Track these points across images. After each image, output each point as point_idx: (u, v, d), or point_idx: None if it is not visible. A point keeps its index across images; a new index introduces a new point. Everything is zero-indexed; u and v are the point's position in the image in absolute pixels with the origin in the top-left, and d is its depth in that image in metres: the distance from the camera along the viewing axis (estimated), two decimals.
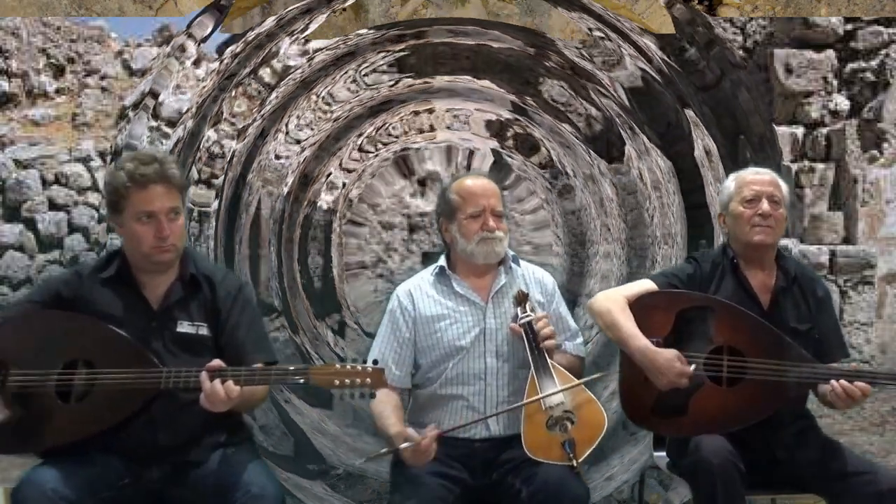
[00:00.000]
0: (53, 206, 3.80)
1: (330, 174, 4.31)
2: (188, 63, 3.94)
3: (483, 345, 2.69)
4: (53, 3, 3.63)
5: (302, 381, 2.37)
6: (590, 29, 4.02)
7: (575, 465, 2.41)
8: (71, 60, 3.74)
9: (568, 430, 2.46)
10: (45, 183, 3.75)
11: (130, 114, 3.79)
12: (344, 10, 4.07)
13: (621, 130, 4.17)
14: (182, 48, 3.80)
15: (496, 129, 4.28)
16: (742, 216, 2.70)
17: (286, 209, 4.25)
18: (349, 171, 4.27)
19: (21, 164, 3.72)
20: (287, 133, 4.15)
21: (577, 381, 2.55)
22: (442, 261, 2.80)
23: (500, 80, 4.17)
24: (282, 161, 4.17)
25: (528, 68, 4.13)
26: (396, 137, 4.26)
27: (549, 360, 2.56)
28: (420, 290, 2.77)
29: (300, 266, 4.26)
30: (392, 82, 4.07)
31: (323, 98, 4.14)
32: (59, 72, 3.76)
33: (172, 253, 2.44)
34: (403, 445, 2.44)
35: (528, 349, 2.58)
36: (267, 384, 2.44)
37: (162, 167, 2.40)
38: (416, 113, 4.26)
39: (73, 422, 2.35)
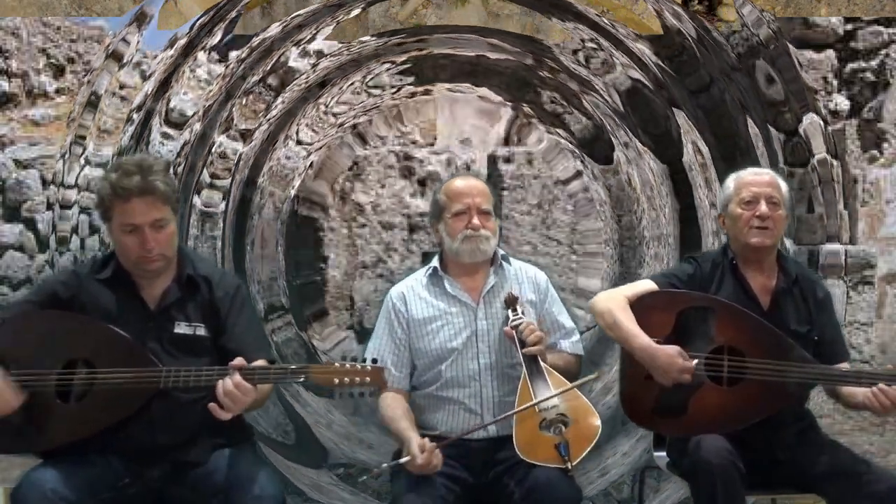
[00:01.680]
0: (85, 210, 3.81)
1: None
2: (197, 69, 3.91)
3: (475, 346, 2.70)
4: (53, 3, 3.63)
5: (302, 379, 2.39)
6: (582, 40, 4.02)
7: (569, 467, 2.41)
8: (71, 60, 3.73)
9: (562, 432, 2.46)
10: (45, 183, 3.75)
11: (134, 116, 3.78)
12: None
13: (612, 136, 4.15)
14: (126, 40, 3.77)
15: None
16: (741, 218, 2.70)
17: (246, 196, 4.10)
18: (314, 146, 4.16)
19: (21, 164, 3.72)
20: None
21: (570, 385, 2.54)
22: (435, 261, 2.81)
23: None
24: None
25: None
26: (380, 92, 4.16)
27: (541, 363, 2.56)
28: (412, 291, 2.77)
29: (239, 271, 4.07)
30: (381, 42, 4.01)
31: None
32: (59, 72, 3.76)
33: (160, 262, 2.42)
34: (402, 460, 2.45)
35: (520, 352, 2.58)
36: (267, 383, 2.43)
37: (144, 179, 2.36)
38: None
39: (72, 422, 2.36)
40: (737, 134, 3.93)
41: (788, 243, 3.73)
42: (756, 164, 3.67)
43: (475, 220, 2.68)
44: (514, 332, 2.60)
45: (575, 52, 4.04)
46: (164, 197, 2.39)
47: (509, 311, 2.65)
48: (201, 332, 2.47)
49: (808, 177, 3.78)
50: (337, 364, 2.37)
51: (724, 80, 3.90)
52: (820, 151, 3.75)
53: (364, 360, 2.39)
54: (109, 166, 2.55)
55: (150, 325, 2.44)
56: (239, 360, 2.33)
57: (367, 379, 2.35)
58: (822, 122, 3.76)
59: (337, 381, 2.34)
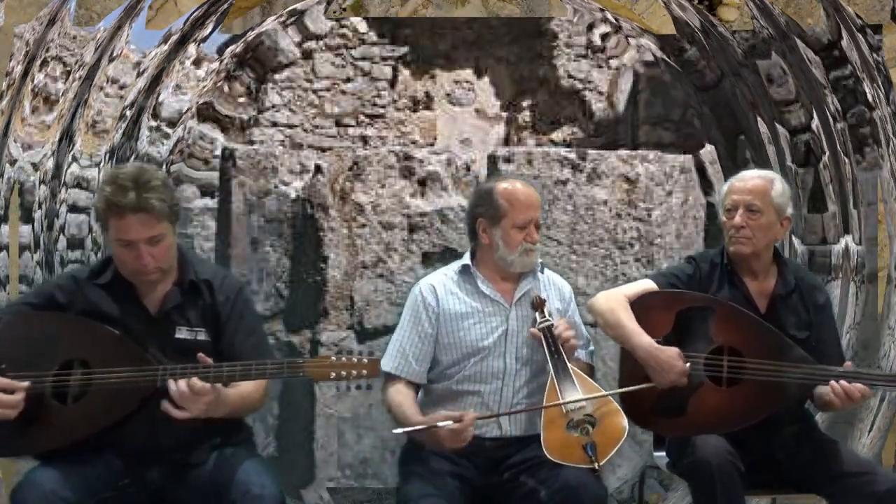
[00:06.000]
0: (75, 209, 3.81)
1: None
2: (188, 63, 3.95)
3: (504, 345, 2.71)
4: None
5: (299, 374, 2.36)
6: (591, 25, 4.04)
7: (597, 468, 2.42)
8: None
9: (590, 433, 2.47)
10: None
11: (127, 113, 3.79)
12: (344, 9, 4.08)
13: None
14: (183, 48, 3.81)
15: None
16: (724, 225, 2.74)
17: None
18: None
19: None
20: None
21: (602, 392, 2.56)
22: (467, 258, 2.82)
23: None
24: None
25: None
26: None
27: (568, 364, 2.58)
28: (444, 286, 2.78)
29: None
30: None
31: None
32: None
33: (157, 274, 2.41)
34: (443, 424, 2.45)
35: (547, 353, 2.60)
36: (263, 378, 2.43)
37: (139, 196, 2.31)
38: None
39: (70, 423, 2.35)
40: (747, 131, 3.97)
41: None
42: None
43: (535, 235, 2.73)
44: (541, 333, 2.62)
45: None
46: (160, 214, 2.35)
47: (537, 313, 2.68)
48: (202, 336, 2.46)
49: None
50: (332, 358, 2.37)
51: (732, 78, 3.91)
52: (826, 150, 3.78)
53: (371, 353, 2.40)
54: (106, 176, 2.52)
55: (151, 329, 2.43)
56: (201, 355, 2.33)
57: (364, 371, 2.35)
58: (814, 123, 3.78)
59: (333, 374, 2.34)
